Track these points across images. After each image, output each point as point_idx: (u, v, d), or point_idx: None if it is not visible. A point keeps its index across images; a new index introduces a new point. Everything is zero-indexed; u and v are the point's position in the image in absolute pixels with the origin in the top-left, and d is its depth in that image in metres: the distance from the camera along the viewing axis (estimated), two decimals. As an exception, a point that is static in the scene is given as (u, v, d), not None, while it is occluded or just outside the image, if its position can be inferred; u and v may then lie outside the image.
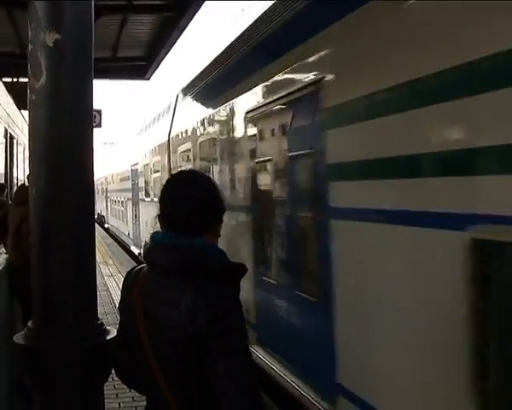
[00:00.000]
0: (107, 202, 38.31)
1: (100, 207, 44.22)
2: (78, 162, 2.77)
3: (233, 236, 7.44)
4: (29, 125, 2.81)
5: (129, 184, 23.18)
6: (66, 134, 2.74)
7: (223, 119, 8.57)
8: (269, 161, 6.76)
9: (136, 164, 20.78)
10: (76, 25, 2.77)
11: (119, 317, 2.71)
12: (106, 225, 37.38)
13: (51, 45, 2.68)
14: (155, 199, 10.56)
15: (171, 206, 2.48)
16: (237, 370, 2.24)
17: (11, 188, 10.60)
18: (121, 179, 28.44)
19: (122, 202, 26.55)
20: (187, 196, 2.45)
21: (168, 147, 13.55)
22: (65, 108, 2.72)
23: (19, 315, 6.76)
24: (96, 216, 49.22)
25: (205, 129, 9.83)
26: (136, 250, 19.70)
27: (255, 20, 7.63)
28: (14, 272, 6.60)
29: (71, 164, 2.75)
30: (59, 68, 2.71)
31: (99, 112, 16.76)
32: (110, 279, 15.98)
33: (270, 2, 7.12)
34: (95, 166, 2.89)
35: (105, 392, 3.07)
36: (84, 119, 2.81)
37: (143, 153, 18.63)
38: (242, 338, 2.31)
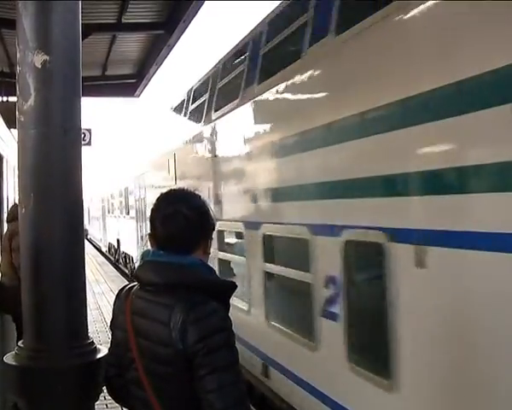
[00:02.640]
0: (139, 227, 17.94)
1: (120, 235, 24.22)
2: (66, 181, 2.78)
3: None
4: (18, 145, 2.82)
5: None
6: (54, 154, 2.75)
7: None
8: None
9: None
10: (64, 45, 2.78)
11: (110, 335, 2.71)
12: None
13: (39, 66, 2.69)
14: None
15: (160, 224, 2.50)
16: (226, 386, 2.25)
17: (1, 207, 10.56)
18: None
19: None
20: (176, 215, 2.47)
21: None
22: (53, 128, 2.73)
23: (11, 333, 6.73)
24: (105, 248, 30.52)
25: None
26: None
27: None
28: (8, 289, 6.57)
29: (60, 183, 2.76)
30: (47, 89, 2.72)
31: (89, 130, 16.77)
32: (101, 297, 15.91)
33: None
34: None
35: (96, 411, 3.06)
36: (73, 138, 2.82)
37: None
38: (232, 355, 2.32)
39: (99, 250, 32.55)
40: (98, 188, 36.62)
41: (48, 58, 2.69)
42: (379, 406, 4.64)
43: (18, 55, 2.76)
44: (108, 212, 30.46)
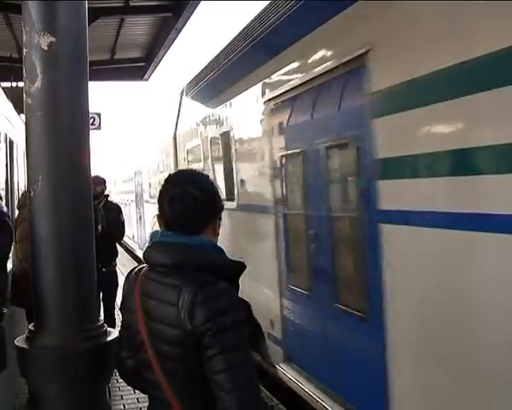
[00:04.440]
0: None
1: None
2: (75, 164, 2.78)
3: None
4: (25, 128, 2.81)
5: None
6: (62, 137, 2.74)
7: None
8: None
9: None
10: (70, 27, 2.77)
11: (121, 318, 2.72)
12: None
13: (46, 48, 2.68)
14: None
15: (168, 205, 2.49)
16: (235, 367, 2.25)
17: (12, 194, 10.60)
18: None
19: None
20: (183, 195, 2.46)
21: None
22: (61, 110, 2.73)
23: (21, 317, 6.76)
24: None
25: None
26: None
27: None
28: (18, 283, 6.57)
29: (68, 166, 2.75)
30: (54, 71, 2.71)
31: (98, 114, 16.70)
32: (113, 281, 15.89)
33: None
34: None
35: (109, 393, 3.08)
36: (81, 121, 2.81)
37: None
38: (241, 335, 2.32)
39: (130, 252, 21.42)
40: (126, 164, 24.94)
41: (54, 40, 2.68)
42: None
43: (24, 36, 2.75)
44: (150, 196, 17.42)
